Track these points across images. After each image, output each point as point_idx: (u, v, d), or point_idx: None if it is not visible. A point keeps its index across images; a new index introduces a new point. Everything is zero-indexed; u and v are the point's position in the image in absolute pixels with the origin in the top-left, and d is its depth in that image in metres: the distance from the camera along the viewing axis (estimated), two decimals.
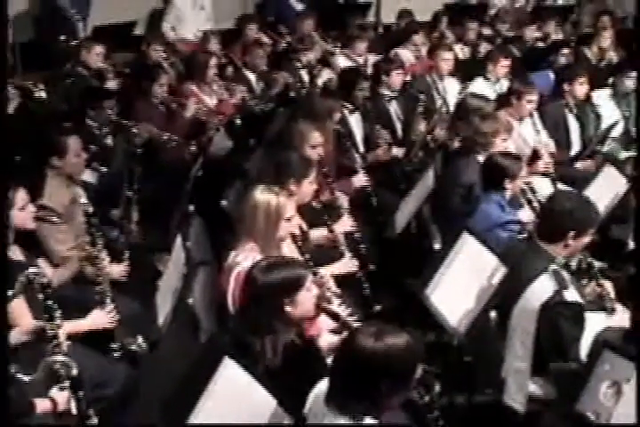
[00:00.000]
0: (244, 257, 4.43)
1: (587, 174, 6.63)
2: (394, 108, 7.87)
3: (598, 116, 7.92)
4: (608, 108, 8.06)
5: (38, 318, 4.09)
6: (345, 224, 5.66)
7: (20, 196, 4.51)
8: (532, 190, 5.72)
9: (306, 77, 9.00)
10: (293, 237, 4.72)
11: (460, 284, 4.46)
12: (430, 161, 6.51)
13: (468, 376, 4.76)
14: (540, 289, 4.17)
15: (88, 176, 6.07)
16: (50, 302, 3.94)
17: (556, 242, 4.33)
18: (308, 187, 5.28)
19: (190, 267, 4.48)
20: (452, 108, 7.75)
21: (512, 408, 4.28)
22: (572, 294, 4.17)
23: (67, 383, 3.83)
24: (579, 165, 7.43)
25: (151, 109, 7.50)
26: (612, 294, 4.66)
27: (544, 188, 6.30)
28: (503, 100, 7.21)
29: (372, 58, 9.55)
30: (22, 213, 4.51)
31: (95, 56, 8.24)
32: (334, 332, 4.24)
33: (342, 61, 9.53)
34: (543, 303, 4.13)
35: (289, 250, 4.75)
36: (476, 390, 4.76)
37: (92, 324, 4.59)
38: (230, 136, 7.02)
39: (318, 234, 5.44)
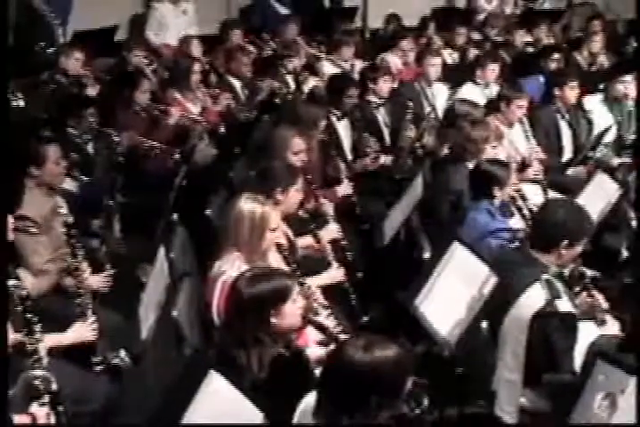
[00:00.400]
0: (229, 267, 4.40)
1: (578, 181, 6.59)
2: (382, 115, 7.82)
3: (590, 122, 7.89)
4: (600, 114, 8.02)
5: (18, 332, 4.00)
6: (331, 232, 5.64)
7: None
8: (523, 198, 5.69)
9: (292, 84, 8.93)
10: (279, 246, 4.69)
11: (451, 294, 4.40)
12: (419, 169, 6.43)
13: (459, 388, 4.66)
14: (533, 299, 4.12)
15: (68, 185, 6.00)
16: (29, 315, 3.89)
17: (549, 251, 4.30)
18: (294, 196, 5.25)
19: (174, 278, 4.42)
20: (440, 115, 7.72)
21: (503, 421, 4.22)
22: (564, 304, 4.14)
23: (46, 399, 3.76)
24: (570, 171, 7.40)
25: (133, 117, 7.41)
26: (604, 306, 4.61)
27: (535, 195, 6.29)
28: (492, 106, 7.15)
29: (359, 64, 9.51)
30: None
31: (74, 62, 8.14)
32: (322, 344, 4.19)
33: (328, 67, 9.46)
34: (535, 313, 4.08)
35: (275, 260, 4.70)
36: (467, 402, 4.67)
37: (73, 337, 4.48)
38: (214, 144, 6.99)
39: (305, 242, 5.42)
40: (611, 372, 3.42)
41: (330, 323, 4.26)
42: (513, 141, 7.08)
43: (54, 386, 3.79)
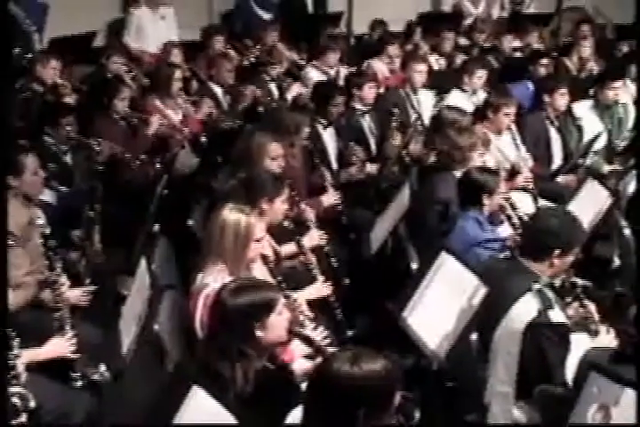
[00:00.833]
0: (213, 279, 4.35)
1: (569, 189, 6.59)
2: (367, 122, 7.79)
3: (580, 129, 7.89)
4: (590, 121, 8.00)
5: None
6: (313, 238, 5.62)
7: None
8: (512, 206, 5.69)
9: (275, 91, 8.88)
10: (264, 258, 4.66)
11: (439, 305, 4.37)
12: (405, 177, 6.44)
13: (449, 402, 4.66)
14: (525, 309, 4.08)
15: (47, 196, 5.94)
16: (6, 330, 3.82)
17: (540, 260, 4.26)
18: (280, 206, 5.22)
19: (155, 290, 4.33)
20: (427, 122, 7.67)
21: None
22: (556, 315, 4.09)
23: (24, 416, 3.74)
24: (560, 179, 7.37)
25: (112, 125, 7.35)
26: (596, 316, 4.57)
27: (525, 203, 6.26)
28: (480, 114, 7.10)
29: (344, 70, 9.47)
30: None
31: (51, 70, 8.04)
32: (308, 357, 4.14)
33: (313, 73, 9.41)
34: (527, 324, 4.04)
35: (260, 272, 4.67)
36: (457, 416, 4.65)
37: (52, 352, 4.41)
38: (196, 153, 6.96)
39: (288, 249, 5.40)
40: (604, 384, 3.39)
41: (316, 336, 4.19)
42: (502, 149, 7.05)
43: (32, 403, 3.75)
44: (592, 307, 4.60)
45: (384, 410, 3.01)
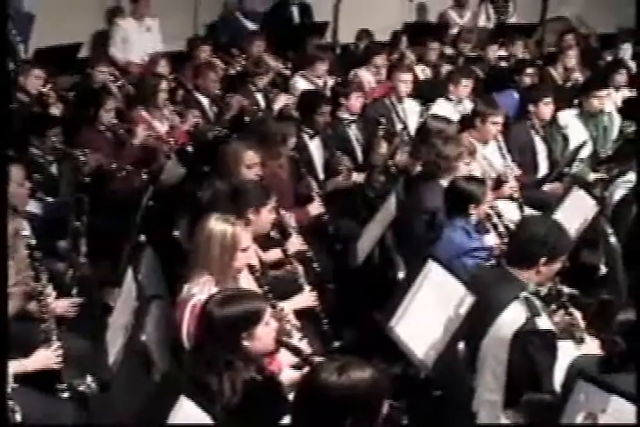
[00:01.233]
0: (199, 290, 4.33)
1: (555, 198, 6.57)
2: (354, 132, 7.78)
3: (565, 138, 7.91)
4: (575, 129, 8.03)
5: None
6: (294, 244, 5.64)
7: None
8: (498, 215, 5.68)
9: (262, 101, 8.87)
10: (250, 268, 4.64)
11: (426, 314, 4.38)
12: (392, 187, 6.41)
13: (437, 411, 4.64)
14: (512, 317, 4.08)
15: (33, 207, 5.92)
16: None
17: (527, 268, 4.26)
18: (267, 215, 5.23)
19: (142, 301, 4.33)
20: (413, 132, 7.66)
21: None
22: (544, 322, 4.10)
23: None
24: (546, 188, 7.38)
25: (98, 136, 7.32)
26: (582, 324, 4.59)
27: (511, 212, 6.27)
28: (467, 123, 7.12)
29: (331, 80, 9.45)
30: None
31: (35, 81, 8.02)
32: (295, 367, 4.14)
33: (301, 83, 9.37)
34: (515, 332, 4.04)
35: (246, 282, 4.65)
36: (445, 424, 4.64)
37: (38, 364, 4.38)
38: (182, 163, 6.91)
39: (271, 256, 5.43)
40: (591, 391, 3.39)
41: (303, 346, 4.23)
42: (488, 158, 7.06)
43: (18, 417, 3.75)
44: (578, 314, 4.61)
45: (372, 419, 3.00)
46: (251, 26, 11.22)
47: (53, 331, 4.54)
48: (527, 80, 9.29)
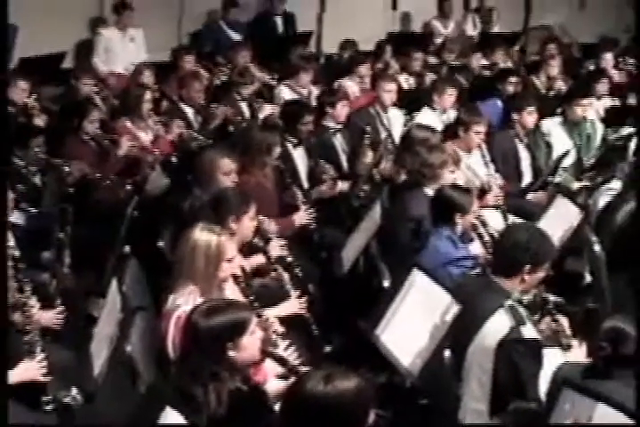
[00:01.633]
0: (185, 300, 4.31)
1: (539, 206, 6.60)
2: (339, 141, 7.77)
3: (549, 146, 7.94)
4: (558, 137, 8.05)
5: None
6: (275, 248, 5.61)
7: None
8: (483, 224, 5.67)
9: (246, 111, 8.85)
10: (235, 278, 4.63)
11: (412, 323, 4.38)
12: (377, 195, 6.42)
13: (423, 420, 4.64)
14: (497, 326, 4.08)
15: (16, 218, 5.90)
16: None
17: (511, 277, 4.26)
18: (248, 223, 5.21)
19: (127, 312, 4.32)
20: (397, 141, 7.65)
21: None
22: (529, 331, 4.09)
23: None
24: (530, 196, 7.39)
25: (82, 147, 7.30)
26: (568, 330, 4.59)
27: (495, 221, 6.25)
28: (450, 132, 7.13)
29: (315, 90, 9.44)
30: None
31: (20, 91, 7.97)
32: (281, 377, 4.12)
33: (286, 93, 9.37)
34: (500, 341, 4.03)
35: (231, 292, 4.64)
36: None
37: (21, 376, 4.35)
38: (167, 174, 6.88)
39: (253, 261, 5.42)
40: (577, 399, 3.40)
41: (289, 356, 4.19)
42: (471, 167, 7.06)
43: None
44: (564, 321, 4.62)
45: None
46: (235, 36, 11.17)
47: (37, 342, 4.52)
48: (510, 89, 9.31)
